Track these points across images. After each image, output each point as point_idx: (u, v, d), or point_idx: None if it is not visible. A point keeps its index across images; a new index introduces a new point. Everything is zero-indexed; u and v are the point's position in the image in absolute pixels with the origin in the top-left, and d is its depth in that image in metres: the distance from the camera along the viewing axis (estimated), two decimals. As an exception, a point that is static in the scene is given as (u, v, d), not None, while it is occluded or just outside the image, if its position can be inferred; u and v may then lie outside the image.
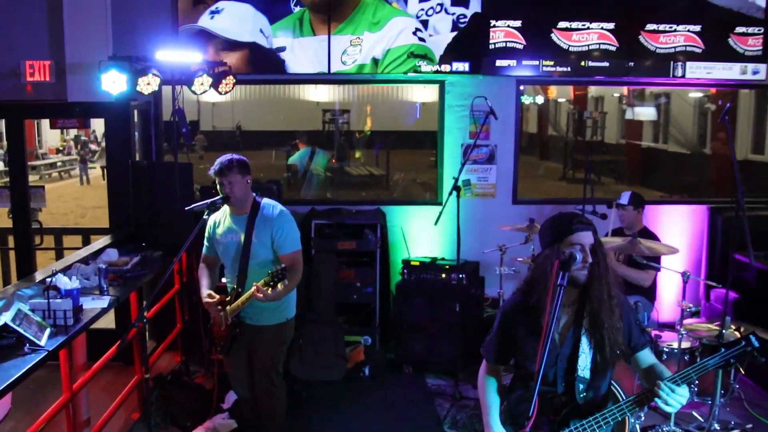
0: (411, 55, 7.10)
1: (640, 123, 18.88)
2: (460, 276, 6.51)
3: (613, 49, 7.30)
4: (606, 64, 7.35)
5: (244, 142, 22.48)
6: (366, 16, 7.09)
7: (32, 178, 19.61)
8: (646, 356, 3.15)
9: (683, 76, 7.42)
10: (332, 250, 6.87)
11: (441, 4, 7.12)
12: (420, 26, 7.10)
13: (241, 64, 7.04)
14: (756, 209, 7.56)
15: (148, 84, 5.69)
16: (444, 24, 7.16)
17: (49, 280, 4.43)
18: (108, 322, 6.25)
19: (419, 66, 7.15)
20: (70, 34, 6.65)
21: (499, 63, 7.27)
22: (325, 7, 7.05)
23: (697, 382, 5.04)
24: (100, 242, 6.25)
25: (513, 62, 7.28)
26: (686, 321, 5.41)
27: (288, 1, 7.02)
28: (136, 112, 7.01)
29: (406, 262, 6.82)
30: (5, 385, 3.41)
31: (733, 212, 5.21)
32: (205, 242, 4.80)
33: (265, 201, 4.70)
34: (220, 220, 4.70)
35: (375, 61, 7.09)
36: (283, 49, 7.08)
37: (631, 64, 7.37)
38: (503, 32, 7.20)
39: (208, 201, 4.54)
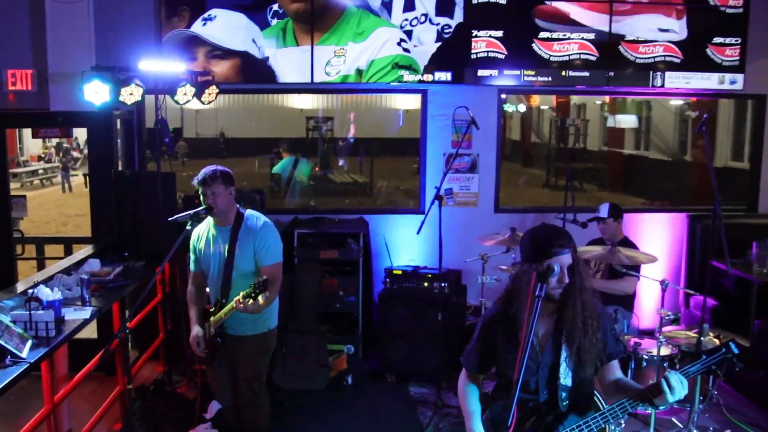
0: (395, 66, 7.13)
1: (621, 130, 19.02)
2: (443, 285, 6.56)
3: (594, 58, 7.38)
4: (586, 73, 7.43)
5: (228, 150, 22.44)
6: (350, 27, 7.11)
7: (14, 186, 19.45)
8: (616, 367, 3.19)
9: (662, 86, 7.51)
10: (315, 259, 6.88)
11: (425, 15, 7.16)
12: (404, 37, 7.14)
13: (232, 72, 7.05)
14: (734, 217, 7.66)
15: (131, 94, 5.68)
16: (429, 35, 7.20)
17: (30, 291, 4.42)
18: (90, 332, 6.23)
19: (402, 76, 7.20)
20: (52, 43, 6.63)
21: (480, 73, 7.32)
22: (308, 17, 7.08)
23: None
24: (82, 252, 6.23)
25: (495, 72, 7.34)
26: (666, 328, 5.48)
27: (265, 13, 7.05)
28: (118, 121, 7.00)
29: (389, 271, 6.85)
30: (-14, 397, 3.40)
31: (711, 220, 5.27)
32: (191, 255, 4.81)
33: (249, 212, 4.71)
34: (204, 231, 4.71)
35: (359, 72, 7.11)
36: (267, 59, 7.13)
37: (611, 73, 7.45)
38: (485, 42, 7.26)
39: (192, 212, 4.54)
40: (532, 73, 7.39)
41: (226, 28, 7.03)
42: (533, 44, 7.30)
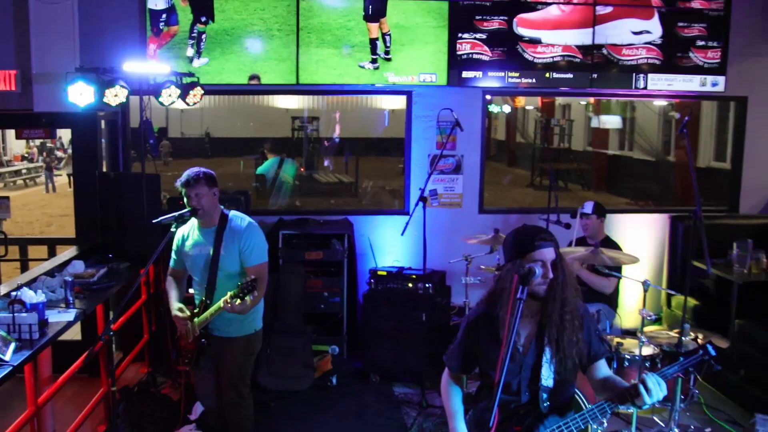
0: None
1: (606, 131, 19.13)
2: (427, 285, 6.60)
3: (578, 60, 7.44)
4: (570, 75, 7.49)
5: (213, 149, 22.41)
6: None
7: (-3, 186, 19.40)
8: (603, 367, 3.22)
9: (645, 88, 7.59)
10: (300, 260, 6.89)
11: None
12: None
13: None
14: (716, 218, 7.73)
15: (115, 96, 5.69)
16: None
17: (14, 293, 4.41)
18: (74, 333, 6.22)
19: (387, 77, 7.24)
20: (36, 44, 6.61)
21: (465, 74, 7.37)
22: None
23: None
24: (66, 254, 6.22)
25: (479, 74, 7.39)
26: (648, 328, 5.54)
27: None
28: (103, 122, 6.98)
29: (373, 272, 6.87)
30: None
31: (692, 221, 5.33)
32: (173, 255, 4.82)
33: (233, 213, 4.72)
34: (189, 233, 4.72)
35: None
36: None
37: (595, 75, 7.52)
38: (469, 44, 7.30)
39: (176, 213, 4.54)
40: (517, 74, 7.45)
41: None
42: (517, 46, 7.36)
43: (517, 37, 7.36)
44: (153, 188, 6.40)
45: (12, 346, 4.01)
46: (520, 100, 20.49)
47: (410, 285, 6.73)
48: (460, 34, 7.27)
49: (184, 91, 6.27)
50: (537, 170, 18.77)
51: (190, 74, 6.55)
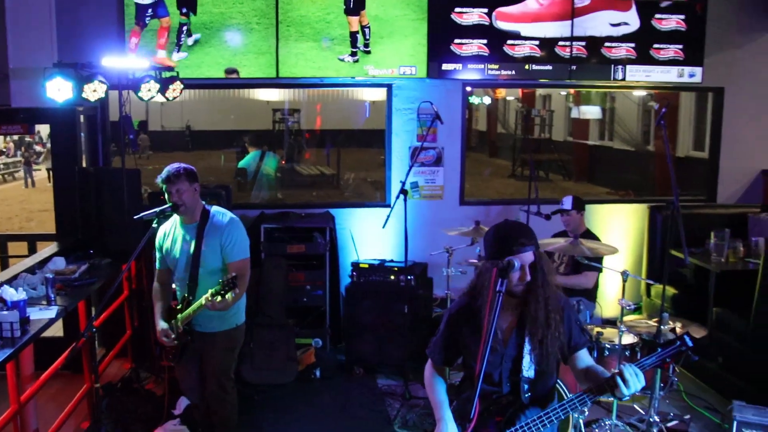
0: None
1: (586, 121, 19.22)
2: (409, 278, 6.63)
3: (557, 52, 7.49)
4: (549, 67, 7.53)
5: (194, 143, 22.30)
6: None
7: (-26, 181, 19.22)
8: (585, 356, 3.25)
9: (623, 79, 7.65)
10: (282, 253, 6.90)
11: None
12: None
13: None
14: (694, 207, 7.81)
15: (94, 91, 5.65)
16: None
17: (-6, 291, 4.40)
18: (56, 330, 6.20)
19: (366, 70, 7.25)
20: (13, 39, 6.55)
21: (445, 67, 7.39)
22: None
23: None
24: (46, 251, 6.19)
25: (459, 66, 7.41)
26: (627, 317, 5.60)
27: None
28: (82, 117, 6.94)
29: (355, 265, 6.89)
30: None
31: (671, 211, 5.39)
32: (157, 254, 4.81)
33: (215, 209, 4.73)
34: (170, 229, 4.72)
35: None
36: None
37: (574, 67, 7.56)
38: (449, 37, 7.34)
39: (158, 209, 4.54)
40: (496, 67, 7.48)
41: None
42: (497, 39, 7.40)
43: (496, 30, 7.38)
44: (133, 183, 6.36)
45: (-7, 344, 4.01)
46: (501, 91, 20.55)
47: (392, 277, 6.76)
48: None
49: (164, 85, 6.25)
50: (518, 161, 18.83)
51: (170, 68, 6.53)
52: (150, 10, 6.98)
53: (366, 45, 7.25)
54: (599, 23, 7.52)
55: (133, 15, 6.96)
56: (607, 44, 7.55)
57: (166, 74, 6.39)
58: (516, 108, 22.12)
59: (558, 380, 3.40)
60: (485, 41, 7.40)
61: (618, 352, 5.41)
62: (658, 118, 5.37)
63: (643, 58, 7.62)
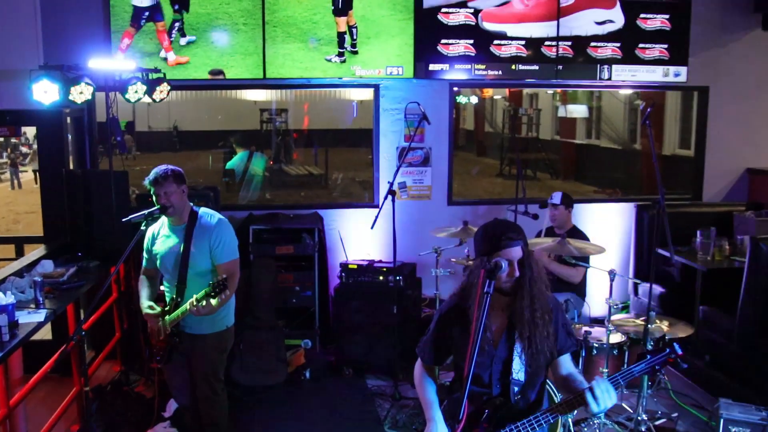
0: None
1: (573, 119, 19.26)
2: (397, 278, 6.65)
3: (543, 52, 7.52)
4: (536, 67, 7.57)
5: (182, 143, 22.21)
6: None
7: (-41, 183, 19.06)
8: (567, 362, 3.25)
9: (609, 79, 7.70)
10: (270, 255, 6.91)
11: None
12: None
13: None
14: (680, 206, 7.87)
15: (81, 93, 5.61)
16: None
17: (-17, 296, 4.38)
18: (44, 333, 6.16)
19: (354, 70, 7.26)
20: (-2, 40, 6.54)
21: (432, 67, 7.42)
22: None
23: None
24: (34, 254, 6.16)
25: (446, 66, 7.43)
26: (615, 316, 5.65)
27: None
28: (69, 119, 6.91)
29: (344, 266, 6.90)
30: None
31: (657, 210, 5.43)
32: (144, 254, 4.81)
33: (203, 210, 4.73)
34: (159, 231, 4.72)
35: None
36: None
37: (560, 67, 7.60)
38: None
39: (146, 212, 4.54)
40: (483, 67, 7.51)
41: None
42: (483, 39, 7.43)
43: (483, 30, 7.41)
44: (121, 185, 6.35)
45: (-18, 348, 3.99)
46: (488, 91, 20.57)
47: (381, 278, 6.77)
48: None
49: (151, 87, 6.23)
50: (506, 160, 18.84)
51: (157, 70, 6.52)
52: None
53: (353, 45, 7.26)
54: (584, 22, 7.57)
55: (123, 16, 6.95)
56: (593, 44, 7.60)
57: (153, 76, 6.37)
58: (503, 107, 22.12)
59: (549, 382, 3.42)
60: (472, 41, 7.43)
61: (606, 351, 5.46)
62: (644, 118, 5.41)
63: (629, 57, 7.68)
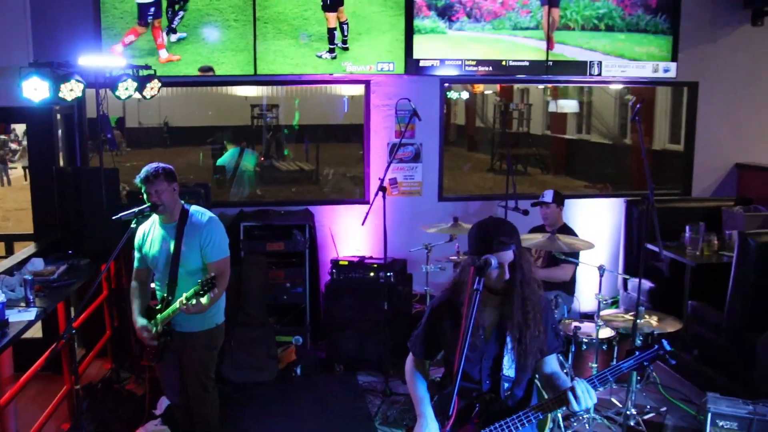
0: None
1: (564, 114, 19.30)
2: (388, 274, 6.67)
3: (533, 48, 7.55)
4: (526, 63, 7.59)
5: (172, 139, 22.15)
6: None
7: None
8: (552, 361, 3.28)
9: (599, 75, 7.71)
10: (261, 251, 6.92)
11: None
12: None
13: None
14: (669, 201, 7.92)
15: (71, 90, 5.59)
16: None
17: (-27, 294, 4.37)
18: (35, 331, 6.13)
19: (344, 66, 7.26)
20: (-13, 37, 6.51)
21: (422, 63, 7.42)
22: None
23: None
24: (24, 251, 6.15)
25: (436, 62, 7.44)
26: (604, 311, 5.68)
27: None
28: (59, 116, 6.89)
29: (335, 262, 6.92)
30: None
31: (646, 206, 5.47)
32: (136, 253, 4.80)
33: (194, 208, 4.73)
34: (150, 229, 4.72)
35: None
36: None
37: (550, 63, 7.62)
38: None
39: (136, 209, 4.53)
40: (473, 62, 7.51)
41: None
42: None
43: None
44: (112, 183, 6.34)
45: (-28, 347, 3.99)
46: (479, 86, 20.58)
47: (372, 274, 6.79)
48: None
49: (141, 84, 6.22)
50: (496, 155, 18.88)
51: (147, 66, 6.50)
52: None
53: (344, 41, 7.26)
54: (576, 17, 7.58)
55: (113, 12, 6.92)
56: (582, 40, 7.61)
57: (144, 72, 6.36)
58: (494, 102, 22.17)
59: (537, 377, 3.44)
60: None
61: (595, 346, 5.50)
62: (633, 114, 5.45)
63: (619, 53, 7.69)
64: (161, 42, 7.03)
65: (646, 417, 5.61)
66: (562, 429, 5.25)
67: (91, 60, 5.92)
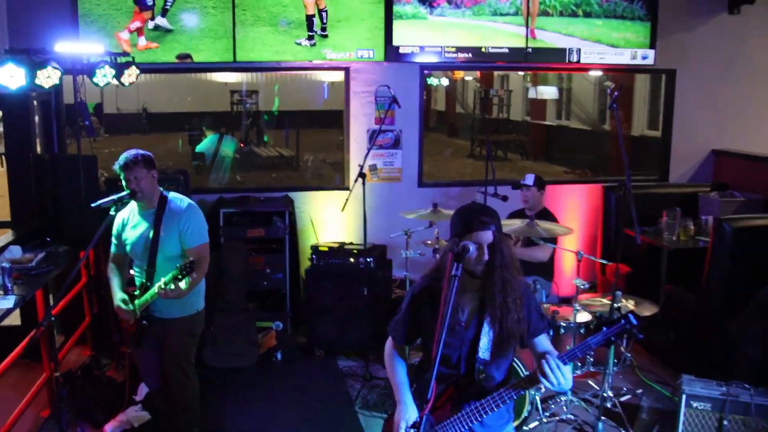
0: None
1: (544, 101, 19.35)
2: (368, 260, 6.70)
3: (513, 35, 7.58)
4: (506, 50, 7.61)
5: (151, 126, 21.98)
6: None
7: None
8: (543, 342, 3.27)
9: (578, 62, 7.75)
10: (241, 237, 6.92)
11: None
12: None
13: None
14: (647, 187, 7.99)
15: (48, 77, 5.54)
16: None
17: (-50, 282, 4.35)
18: (13, 318, 6.10)
19: (324, 53, 7.26)
20: (-38, 24, 6.44)
21: (402, 50, 7.42)
22: None
23: (582, 357, 5.30)
24: (2, 239, 6.08)
25: (416, 49, 7.45)
26: (582, 296, 5.75)
27: None
28: (35, 102, 6.83)
29: (315, 248, 6.93)
30: None
31: (623, 191, 5.52)
32: (113, 240, 4.78)
33: (172, 195, 4.72)
34: (128, 216, 4.70)
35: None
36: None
37: (530, 50, 7.65)
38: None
39: (115, 197, 4.50)
40: (453, 49, 7.52)
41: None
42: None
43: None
44: (90, 170, 6.30)
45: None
46: (459, 72, 20.57)
47: (351, 260, 6.81)
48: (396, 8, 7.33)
49: (119, 71, 6.18)
50: (476, 141, 18.91)
51: (125, 53, 6.46)
52: None
53: (323, 29, 7.25)
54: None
55: (87, -1, 6.89)
56: (560, 27, 7.64)
57: (122, 59, 6.32)
58: (474, 88, 22.16)
59: (516, 360, 3.47)
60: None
61: (573, 330, 5.56)
62: (611, 102, 5.49)
63: (597, 41, 7.73)
64: (133, 27, 6.97)
65: (622, 399, 5.70)
66: (541, 411, 5.33)
67: (67, 47, 5.86)
